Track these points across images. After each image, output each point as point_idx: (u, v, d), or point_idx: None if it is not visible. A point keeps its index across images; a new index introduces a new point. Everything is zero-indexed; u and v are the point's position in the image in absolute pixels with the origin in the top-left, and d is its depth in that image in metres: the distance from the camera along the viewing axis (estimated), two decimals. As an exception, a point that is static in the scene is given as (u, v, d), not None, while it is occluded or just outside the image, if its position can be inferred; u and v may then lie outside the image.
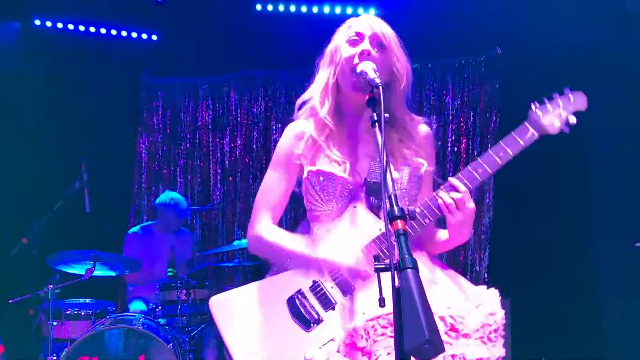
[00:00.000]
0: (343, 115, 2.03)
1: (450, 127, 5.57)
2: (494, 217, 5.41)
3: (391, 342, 1.73)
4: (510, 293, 4.65)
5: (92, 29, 5.92)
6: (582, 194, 4.97)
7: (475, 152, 5.50)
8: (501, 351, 1.82)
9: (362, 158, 1.98)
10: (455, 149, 5.58)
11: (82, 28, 5.89)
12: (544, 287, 4.91)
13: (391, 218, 1.35)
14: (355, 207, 1.94)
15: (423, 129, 2.07)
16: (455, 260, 5.50)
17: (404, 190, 1.94)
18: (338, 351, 1.79)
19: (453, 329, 1.78)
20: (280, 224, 2.13)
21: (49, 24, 5.81)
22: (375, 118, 1.60)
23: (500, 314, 1.86)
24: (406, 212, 1.38)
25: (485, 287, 1.99)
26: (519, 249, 5.03)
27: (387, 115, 1.57)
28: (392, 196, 1.39)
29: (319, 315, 1.87)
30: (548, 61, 4.83)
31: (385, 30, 1.96)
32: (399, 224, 1.34)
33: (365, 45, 1.91)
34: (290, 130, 2.08)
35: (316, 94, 2.03)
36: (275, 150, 2.12)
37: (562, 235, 4.89)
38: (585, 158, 4.95)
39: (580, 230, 4.94)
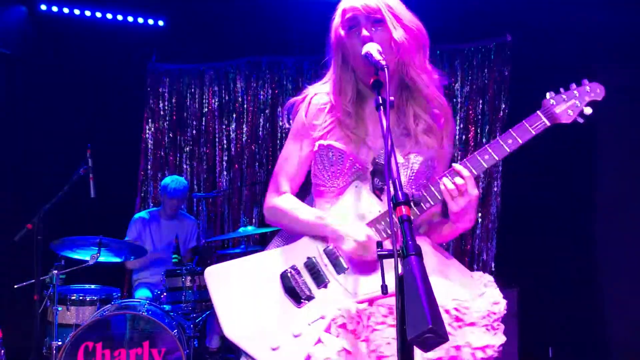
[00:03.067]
0: (361, 95, 2.00)
1: (458, 114, 5.51)
2: (501, 206, 5.36)
3: (391, 331, 1.71)
4: (517, 282, 4.63)
5: (99, 14, 5.88)
6: (590, 184, 4.91)
7: (483, 140, 5.44)
8: (503, 339, 1.81)
9: (377, 138, 1.94)
10: (464, 137, 5.52)
11: (88, 13, 5.85)
12: (551, 276, 4.87)
13: (395, 203, 1.32)
14: (357, 186, 1.92)
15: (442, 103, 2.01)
16: (462, 250, 5.47)
17: (413, 171, 1.91)
18: (328, 330, 1.77)
19: (457, 319, 1.77)
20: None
21: (55, 8, 5.77)
22: (380, 102, 1.56)
23: (503, 303, 1.86)
24: (410, 198, 1.34)
25: (480, 273, 1.99)
26: (527, 238, 4.99)
27: (392, 98, 1.53)
28: (396, 181, 1.35)
29: (310, 291, 1.86)
30: (558, 48, 4.75)
31: (376, 3, 1.87)
32: (403, 209, 1.31)
33: (363, 31, 1.86)
34: (313, 100, 2.04)
35: (329, 83, 2.02)
36: (295, 119, 2.08)
37: (570, 225, 4.85)
38: (594, 148, 4.88)
39: (587, 219, 4.89)
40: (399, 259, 1.23)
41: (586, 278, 4.81)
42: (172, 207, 5.13)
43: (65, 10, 5.80)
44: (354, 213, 1.90)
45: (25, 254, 3.82)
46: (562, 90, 1.93)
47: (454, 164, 1.84)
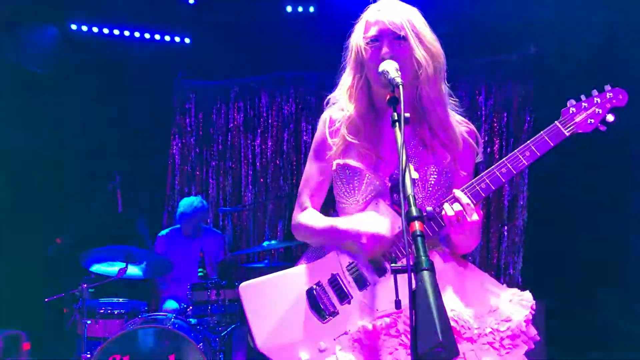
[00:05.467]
0: (377, 109, 2.01)
1: (483, 128, 5.49)
2: (528, 220, 5.30)
3: (394, 342, 1.73)
4: (544, 296, 4.57)
5: (127, 33, 6.03)
6: (622, 196, 4.83)
7: (508, 153, 5.39)
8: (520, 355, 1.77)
9: (394, 151, 1.94)
10: (488, 150, 5.49)
11: (116, 32, 6.01)
12: (579, 290, 4.79)
13: (409, 219, 1.33)
14: (377, 203, 1.94)
15: (459, 123, 2.01)
16: (489, 264, 5.42)
17: (430, 184, 1.91)
18: (351, 345, 1.80)
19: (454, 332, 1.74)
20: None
21: (84, 28, 5.94)
22: (396, 118, 1.58)
23: (516, 320, 1.81)
24: (424, 213, 1.36)
25: (516, 289, 1.94)
26: (554, 251, 4.92)
27: (407, 115, 1.55)
28: (411, 197, 1.37)
29: (334, 307, 1.91)
30: (583, 60, 4.71)
31: (401, 20, 1.87)
32: (417, 225, 1.32)
33: (384, 48, 1.87)
34: (324, 120, 2.08)
35: (343, 93, 2.02)
36: (314, 137, 2.13)
37: (599, 238, 4.77)
38: (623, 158, 4.81)
39: (617, 232, 4.80)
40: (412, 274, 1.24)
41: (616, 292, 4.72)
42: (186, 229, 5.21)
43: (95, 29, 5.97)
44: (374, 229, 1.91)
45: (55, 268, 3.92)
46: (583, 97, 1.89)
47: (454, 190, 1.84)
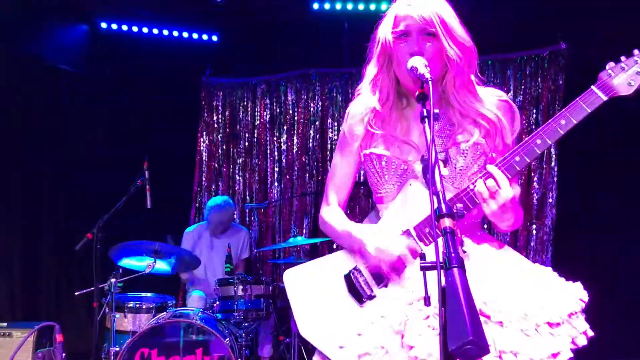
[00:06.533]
0: (403, 98, 2.01)
1: (511, 124, 5.41)
2: (557, 218, 5.23)
3: (423, 324, 1.71)
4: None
5: (155, 31, 6.11)
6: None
7: (537, 150, 5.32)
8: (560, 348, 1.67)
9: (421, 135, 1.92)
10: (519, 131, 5.41)
11: (145, 30, 6.09)
12: (609, 291, 4.70)
13: (438, 216, 1.33)
14: (411, 185, 1.93)
15: (494, 101, 1.94)
16: (516, 262, 5.35)
17: (461, 163, 1.88)
18: (386, 329, 1.78)
19: (481, 313, 1.67)
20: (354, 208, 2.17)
21: (114, 26, 6.04)
22: (425, 114, 1.56)
23: (555, 308, 1.72)
24: (454, 210, 1.35)
25: (556, 275, 1.87)
26: (583, 250, 4.84)
27: (436, 111, 1.54)
28: (440, 193, 1.36)
29: (372, 291, 1.91)
30: (614, 55, 4.61)
31: (431, 15, 1.83)
32: (446, 221, 1.31)
33: (413, 44, 1.84)
34: (348, 113, 2.08)
35: (367, 85, 2.01)
36: (340, 132, 2.13)
37: (629, 236, 4.68)
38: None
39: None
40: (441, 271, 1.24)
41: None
42: (214, 230, 5.26)
43: (124, 27, 6.05)
44: (407, 215, 1.92)
45: (86, 263, 3.99)
46: (622, 58, 1.76)
47: (487, 165, 1.77)
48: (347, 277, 1.95)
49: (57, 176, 5.55)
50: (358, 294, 1.91)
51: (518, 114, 2.00)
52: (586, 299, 1.82)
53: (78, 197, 5.57)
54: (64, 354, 3.81)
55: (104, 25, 6.04)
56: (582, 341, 1.75)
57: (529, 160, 1.77)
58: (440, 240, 1.28)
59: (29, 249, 5.30)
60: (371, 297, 1.90)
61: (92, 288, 3.95)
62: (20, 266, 5.21)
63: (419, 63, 1.75)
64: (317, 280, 1.99)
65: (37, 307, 4.99)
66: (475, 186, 1.75)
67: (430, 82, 1.62)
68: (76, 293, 4.03)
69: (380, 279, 1.90)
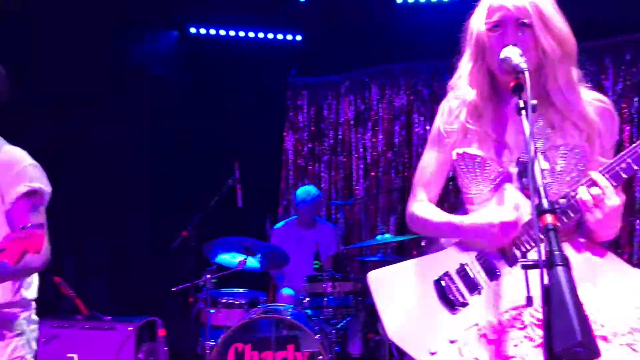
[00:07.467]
0: (499, 94, 1.93)
1: (610, 113, 5.11)
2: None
3: (519, 334, 1.65)
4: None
5: (241, 34, 6.27)
6: None
7: (640, 140, 5.01)
8: None
9: (518, 135, 1.85)
10: (618, 138, 5.11)
11: (232, 33, 6.27)
12: None
13: (539, 212, 1.27)
14: (506, 189, 1.86)
15: (592, 100, 1.86)
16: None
17: (560, 167, 1.80)
18: (478, 338, 1.74)
19: None
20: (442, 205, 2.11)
21: (203, 31, 6.26)
22: (522, 105, 1.50)
23: None
24: (556, 206, 1.28)
25: None
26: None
27: (534, 102, 1.47)
28: (541, 188, 1.30)
29: (464, 298, 1.85)
30: None
31: (526, 4, 1.76)
32: (548, 218, 1.25)
33: (507, 36, 1.78)
34: (441, 109, 2.03)
35: (462, 79, 1.95)
36: (432, 126, 2.08)
37: None
38: None
39: None
40: (544, 269, 1.18)
41: None
42: (303, 218, 5.32)
43: (212, 32, 6.26)
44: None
45: (181, 260, 4.15)
46: None
47: (590, 172, 1.69)
48: (437, 283, 1.89)
49: (153, 177, 5.82)
50: (450, 301, 1.86)
51: (618, 121, 1.94)
52: None
53: (173, 197, 5.80)
54: (166, 348, 3.98)
55: (193, 30, 6.27)
56: None
57: (637, 168, 1.68)
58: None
59: (125, 246, 5.59)
60: (464, 305, 1.84)
61: (188, 284, 4.11)
62: (114, 263, 5.51)
63: (513, 53, 1.69)
64: (404, 285, 1.95)
65: (133, 302, 5.25)
66: (577, 193, 1.69)
67: (526, 73, 1.55)
68: (173, 289, 4.19)
69: (474, 286, 1.85)
